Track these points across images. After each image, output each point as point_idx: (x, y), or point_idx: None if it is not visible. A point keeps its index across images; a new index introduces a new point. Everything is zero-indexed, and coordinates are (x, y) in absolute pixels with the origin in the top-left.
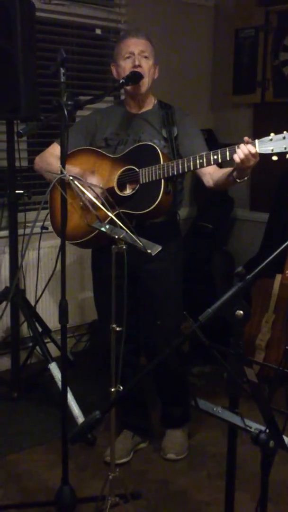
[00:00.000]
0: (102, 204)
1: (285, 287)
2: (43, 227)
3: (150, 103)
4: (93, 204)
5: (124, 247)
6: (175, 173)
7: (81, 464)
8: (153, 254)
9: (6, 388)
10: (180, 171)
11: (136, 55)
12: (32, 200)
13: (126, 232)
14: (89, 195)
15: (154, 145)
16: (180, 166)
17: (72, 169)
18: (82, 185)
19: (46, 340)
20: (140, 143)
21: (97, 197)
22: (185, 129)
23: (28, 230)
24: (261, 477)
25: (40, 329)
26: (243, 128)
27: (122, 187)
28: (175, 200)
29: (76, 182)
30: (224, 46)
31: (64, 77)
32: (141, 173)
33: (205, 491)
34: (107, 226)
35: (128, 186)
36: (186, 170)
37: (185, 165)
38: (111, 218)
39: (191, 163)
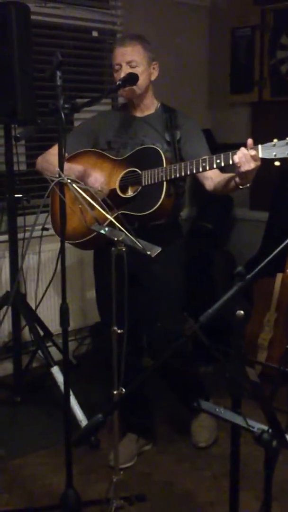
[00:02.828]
0: (100, 206)
1: (286, 286)
2: (44, 228)
3: (153, 107)
4: (91, 206)
5: (124, 249)
6: (178, 175)
7: (85, 468)
8: (152, 256)
9: (9, 393)
10: (183, 174)
11: (123, 66)
12: (31, 203)
13: (126, 234)
14: (87, 197)
15: (157, 148)
16: (182, 169)
17: (75, 167)
18: (79, 187)
19: (48, 344)
20: (143, 146)
21: (94, 199)
22: (188, 132)
23: (27, 234)
24: (265, 477)
25: (41, 333)
26: (241, 127)
27: (124, 189)
28: (177, 202)
29: (74, 185)
30: (221, 46)
31: (60, 80)
32: (144, 175)
33: (209, 491)
34: (106, 229)
35: (130, 188)
36: (188, 173)
37: (188, 168)
38: (111, 220)
39: (194, 166)
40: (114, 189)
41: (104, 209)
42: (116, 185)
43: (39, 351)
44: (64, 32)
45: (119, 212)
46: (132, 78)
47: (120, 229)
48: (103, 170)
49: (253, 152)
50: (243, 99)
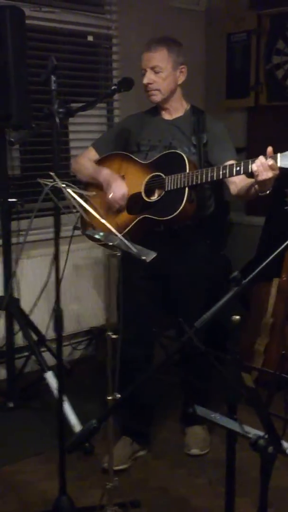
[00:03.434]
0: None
1: (283, 291)
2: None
3: (182, 109)
4: (86, 211)
5: (119, 253)
6: (199, 182)
7: (79, 474)
8: (147, 261)
9: (2, 398)
10: (204, 181)
11: (148, 72)
12: (25, 208)
13: (120, 239)
14: (82, 202)
15: (182, 153)
16: (204, 176)
17: (104, 172)
18: (75, 192)
19: (42, 349)
20: (169, 151)
21: (90, 204)
22: (215, 136)
23: (21, 239)
24: (261, 483)
25: (35, 338)
26: (238, 133)
27: (150, 192)
28: (203, 205)
29: (68, 190)
30: (216, 51)
31: (55, 84)
32: (167, 180)
33: (205, 497)
34: (101, 233)
35: (156, 191)
36: (209, 179)
37: (209, 175)
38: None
39: (214, 173)
40: (140, 193)
41: (98, 213)
42: (141, 189)
43: (33, 356)
44: (59, 36)
45: (142, 215)
46: (127, 83)
47: (115, 234)
48: (132, 175)
49: (270, 162)
50: (239, 104)
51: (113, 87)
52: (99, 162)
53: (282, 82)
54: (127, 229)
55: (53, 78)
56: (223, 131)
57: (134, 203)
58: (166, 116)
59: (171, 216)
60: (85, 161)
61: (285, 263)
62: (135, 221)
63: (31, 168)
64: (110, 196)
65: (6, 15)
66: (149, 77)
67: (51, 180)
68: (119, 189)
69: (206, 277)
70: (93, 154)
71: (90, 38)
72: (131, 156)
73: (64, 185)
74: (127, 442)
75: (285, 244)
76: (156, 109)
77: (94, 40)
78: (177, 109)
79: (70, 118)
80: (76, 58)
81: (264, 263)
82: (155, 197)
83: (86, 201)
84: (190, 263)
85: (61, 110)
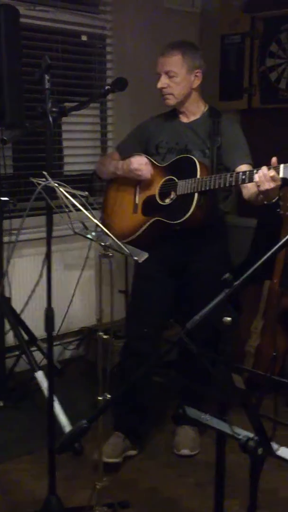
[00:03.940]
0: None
1: (274, 293)
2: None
3: (198, 112)
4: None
5: (111, 254)
6: (208, 188)
7: (68, 474)
8: (139, 261)
9: None
10: (212, 187)
11: (162, 76)
12: (18, 207)
13: (112, 239)
14: (74, 201)
15: (194, 158)
16: (212, 183)
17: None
18: (67, 192)
19: (32, 348)
20: (182, 155)
21: (82, 204)
22: (229, 139)
23: (13, 238)
24: (250, 485)
25: (26, 337)
26: None
27: (166, 195)
28: (216, 208)
29: (61, 189)
30: (210, 53)
31: (49, 83)
32: (179, 184)
33: (194, 499)
34: (93, 233)
35: (171, 194)
36: (217, 186)
37: (217, 181)
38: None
39: (222, 181)
40: (154, 195)
41: (91, 213)
42: (156, 191)
43: (23, 356)
44: (53, 35)
45: (155, 218)
46: (121, 83)
47: (107, 234)
48: (149, 177)
49: (272, 173)
50: (233, 106)
51: (106, 87)
52: None
53: (275, 84)
54: (141, 230)
55: (46, 77)
56: (238, 134)
57: (149, 205)
58: (183, 119)
59: (180, 221)
60: (108, 161)
61: (277, 265)
62: (148, 223)
63: (24, 167)
64: (132, 166)
65: (0, 14)
66: (163, 81)
67: (44, 179)
68: (138, 159)
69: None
70: (116, 157)
71: (84, 38)
72: (149, 158)
73: (56, 184)
74: (120, 437)
75: (276, 246)
76: (175, 112)
77: (88, 39)
78: (193, 112)
79: (63, 118)
80: (70, 58)
81: (255, 265)
82: (168, 201)
83: (78, 200)
84: (208, 262)
85: (54, 109)
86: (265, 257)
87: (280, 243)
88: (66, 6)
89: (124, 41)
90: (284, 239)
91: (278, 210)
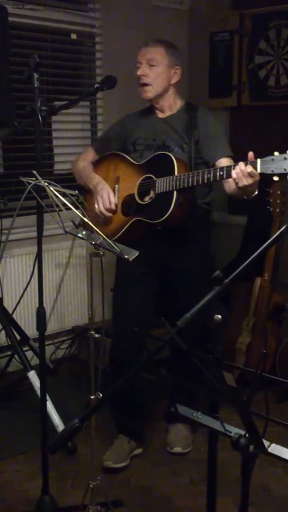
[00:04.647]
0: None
1: (265, 290)
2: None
3: (174, 107)
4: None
5: (102, 252)
6: (186, 185)
7: (62, 473)
8: (130, 260)
9: None
10: (190, 184)
11: (143, 64)
12: (8, 206)
13: (103, 237)
14: (65, 200)
15: (171, 155)
16: (190, 180)
17: (93, 178)
18: (57, 191)
19: (25, 348)
20: (159, 152)
21: (72, 203)
22: (206, 132)
23: (4, 237)
24: (242, 481)
25: (18, 337)
26: None
27: (145, 194)
28: (196, 206)
29: (51, 188)
30: (199, 50)
31: (38, 82)
32: (157, 183)
33: (187, 496)
34: (84, 232)
35: (150, 193)
36: (195, 183)
37: (195, 178)
38: (88, 222)
39: (200, 178)
40: (133, 194)
41: (83, 214)
42: (135, 190)
43: (16, 356)
44: (42, 34)
45: (136, 218)
46: (110, 81)
47: (97, 233)
48: (127, 176)
49: (249, 169)
50: (222, 104)
51: (96, 85)
52: (97, 163)
53: (264, 82)
54: (122, 231)
55: (35, 76)
56: (215, 126)
57: (129, 204)
58: (159, 114)
59: (160, 220)
60: (83, 165)
61: (267, 262)
62: (129, 223)
63: (14, 166)
64: (96, 208)
65: None
66: (143, 69)
67: (34, 179)
68: (107, 198)
69: (206, 274)
70: (92, 155)
71: (73, 36)
72: (126, 156)
73: (46, 183)
74: (124, 440)
75: (267, 243)
76: (151, 108)
77: (78, 38)
78: (170, 107)
79: (53, 116)
80: (59, 56)
81: (246, 262)
82: (147, 199)
83: (68, 199)
84: (191, 260)
85: (43, 108)
86: (256, 253)
87: (270, 240)
88: (55, 4)
89: (114, 39)
90: (274, 236)
91: (268, 207)
